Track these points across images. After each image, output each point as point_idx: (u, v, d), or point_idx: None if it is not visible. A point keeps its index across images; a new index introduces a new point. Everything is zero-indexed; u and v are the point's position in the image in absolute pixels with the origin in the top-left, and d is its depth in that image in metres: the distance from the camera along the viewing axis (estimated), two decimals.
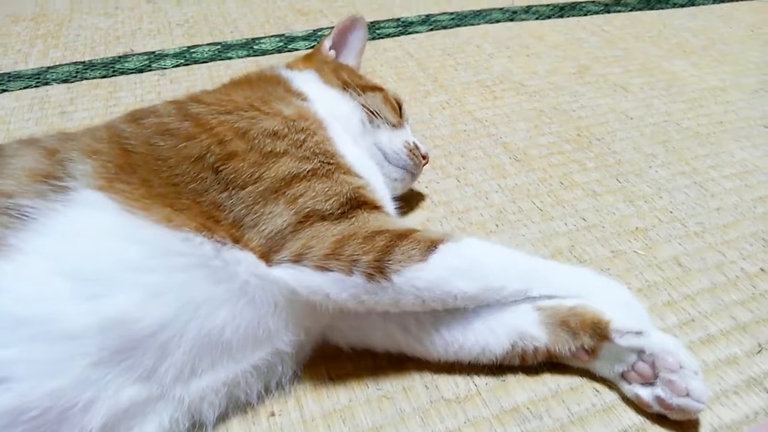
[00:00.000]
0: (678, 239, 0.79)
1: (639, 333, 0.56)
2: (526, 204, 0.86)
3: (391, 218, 0.62)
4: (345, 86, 0.79)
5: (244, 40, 1.44)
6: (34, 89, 1.22)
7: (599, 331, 0.57)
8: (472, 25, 1.53)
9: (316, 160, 0.62)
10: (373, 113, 0.79)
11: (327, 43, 0.86)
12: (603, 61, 1.33)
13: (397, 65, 1.31)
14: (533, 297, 0.59)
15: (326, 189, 0.59)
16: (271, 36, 1.46)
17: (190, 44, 1.42)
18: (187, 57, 1.35)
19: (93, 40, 1.47)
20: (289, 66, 0.83)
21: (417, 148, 0.82)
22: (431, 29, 1.50)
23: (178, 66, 1.32)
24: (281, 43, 1.41)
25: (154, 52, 1.38)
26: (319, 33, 1.48)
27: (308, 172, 0.60)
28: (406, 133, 0.83)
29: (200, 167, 0.58)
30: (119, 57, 1.36)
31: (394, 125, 0.81)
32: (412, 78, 1.25)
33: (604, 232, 0.80)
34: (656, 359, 0.55)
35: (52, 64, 1.34)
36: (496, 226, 0.81)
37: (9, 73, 1.29)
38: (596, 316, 0.57)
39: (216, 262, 0.54)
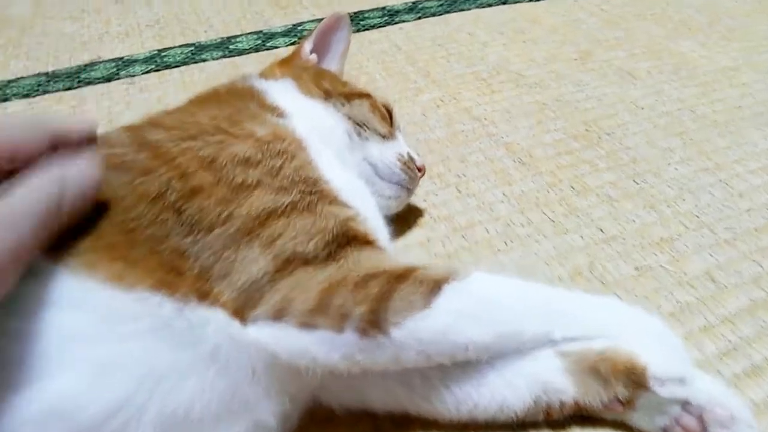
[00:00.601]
0: (708, 249, 0.71)
1: (682, 380, 0.48)
2: (536, 215, 0.77)
3: (385, 254, 0.54)
4: (327, 96, 0.70)
5: (219, 40, 1.34)
6: None
7: (635, 378, 0.49)
8: (462, 10, 1.43)
9: (295, 191, 0.53)
10: (360, 125, 0.70)
11: (307, 45, 0.77)
12: (605, 45, 1.24)
13: (384, 59, 1.22)
14: (555, 340, 0.51)
15: (308, 226, 0.51)
16: (248, 33, 1.36)
17: (161, 47, 1.32)
18: (158, 62, 1.25)
19: (57, 47, 1.36)
20: (264, 75, 0.74)
21: (412, 159, 0.73)
22: (419, 17, 1.40)
23: (148, 72, 1.22)
24: (259, 41, 1.31)
25: (122, 58, 1.28)
26: (299, 28, 1.38)
27: (287, 206, 0.51)
28: (398, 143, 0.74)
29: (159, 207, 0.50)
30: (85, 65, 1.26)
31: (384, 136, 0.72)
32: (402, 73, 1.16)
33: (625, 245, 0.72)
34: (704, 412, 0.47)
35: (12, 77, 1.24)
36: (505, 243, 0.73)
37: None
38: (630, 360, 0.49)
39: (179, 324, 0.45)
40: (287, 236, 0.50)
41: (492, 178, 0.84)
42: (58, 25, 1.49)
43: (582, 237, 0.73)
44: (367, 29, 1.35)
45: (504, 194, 0.81)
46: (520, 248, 0.72)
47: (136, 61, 1.26)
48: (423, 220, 0.77)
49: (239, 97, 0.65)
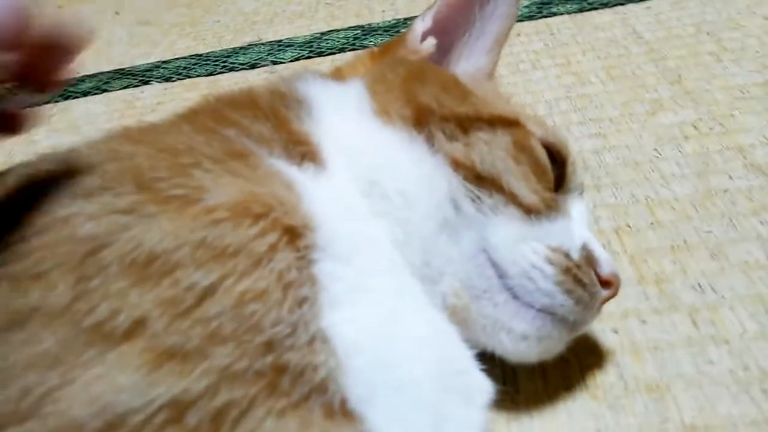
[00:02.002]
0: None
1: None
2: None
3: None
4: (421, 119, 0.35)
5: (393, 21, 1.04)
6: (131, 90, 1.00)
7: None
8: None
9: (219, 359, 0.22)
10: (480, 182, 0.34)
11: (420, 23, 0.42)
12: None
13: (610, 54, 0.79)
14: None
15: None
16: None
17: (327, 29, 1.08)
18: (313, 47, 1.01)
19: (227, 27, 1.21)
20: (338, 73, 0.42)
21: (591, 261, 0.35)
22: None
23: (298, 59, 0.98)
24: None
25: (280, 41, 1.07)
26: None
27: (166, 405, 0.20)
28: (562, 224, 0.36)
29: None
30: (240, 48, 1.07)
31: (531, 209, 0.34)
32: (634, 76, 0.73)
33: None
34: None
35: (170, 57, 1.11)
36: None
37: (121, 70, 1.09)
38: None
39: None
40: None
41: None
42: (243, 2, 1.35)
43: None
44: (594, 8, 0.92)
45: None
46: None
47: (291, 45, 1.04)
48: (605, 382, 0.38)
49: (250, 111, 0.34)
